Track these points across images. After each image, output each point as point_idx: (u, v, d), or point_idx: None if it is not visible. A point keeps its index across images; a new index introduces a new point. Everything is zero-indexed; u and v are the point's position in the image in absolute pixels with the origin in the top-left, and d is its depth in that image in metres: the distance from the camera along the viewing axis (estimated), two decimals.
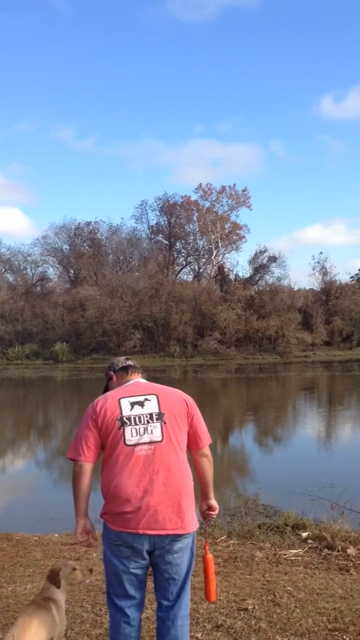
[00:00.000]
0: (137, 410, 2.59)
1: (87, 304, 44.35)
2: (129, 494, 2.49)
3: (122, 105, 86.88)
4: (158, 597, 2.63)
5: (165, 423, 2.58)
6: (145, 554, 2.52)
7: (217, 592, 4.07)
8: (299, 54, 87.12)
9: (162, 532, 2.49)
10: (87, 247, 53.83)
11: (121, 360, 2.94)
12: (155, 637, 2.66)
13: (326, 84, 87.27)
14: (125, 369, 2.86)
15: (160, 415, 2.59)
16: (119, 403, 2.60)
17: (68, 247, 54.42)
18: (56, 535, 6.16)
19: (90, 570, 3.01)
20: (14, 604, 3.97)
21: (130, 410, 2.58)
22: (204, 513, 2.83)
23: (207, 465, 2.76)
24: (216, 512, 2.86)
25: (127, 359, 2.96)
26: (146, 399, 2.62)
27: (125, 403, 2.60)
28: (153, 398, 2.63)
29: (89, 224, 54.34)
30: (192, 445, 2.71)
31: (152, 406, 2.60)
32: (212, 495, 2.83)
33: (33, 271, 56.32)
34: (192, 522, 2.59)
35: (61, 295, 49.41)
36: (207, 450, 2.75)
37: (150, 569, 2.62)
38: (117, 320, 42.78)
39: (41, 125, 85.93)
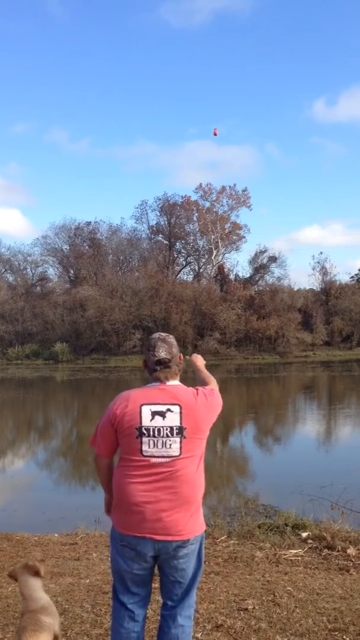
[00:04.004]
0: (158, 421, 2.50)
1: (87, 304, 44.31)
2: (138, 500, 2.49)
3: (116, 108, 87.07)
4: (163, 596, 2.65)
5: (185, 438, 2.51)
6: (149, 558, 2.53)
7: (217, 592, 4.08)
8: (290, 58, 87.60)
9: (169, 538, 2.49)
10: (87, 247, 53.79)
11: (152, 361, 2.64)
12: (157, 635, 2.67)
13: (318, 88, 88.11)
14: (152, 372, 2.66)
15: (180, 430, 2.51)
16: (140, 411, 2.52)
17: (68, 247, 54.40)
18: (56, 535, 6.15)
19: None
20: (14, 604, 3.97)
21: (151, 420, 2.50)
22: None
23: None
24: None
25: (158, 363, 2.63)
26: (169, 410, 2.52)
27: (146, 411, 2.52)
28: (176, 409, 2.52)
29: (88, 224, 54.40)
30: None
31: (173, 419, 2.51)
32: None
33: (33, 271, 56.37)
34: (198, 527, 2.59)
35: (61, 295, 49.37)
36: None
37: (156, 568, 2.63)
38: (117, 320, 42.75)
39: (37, 127, 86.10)
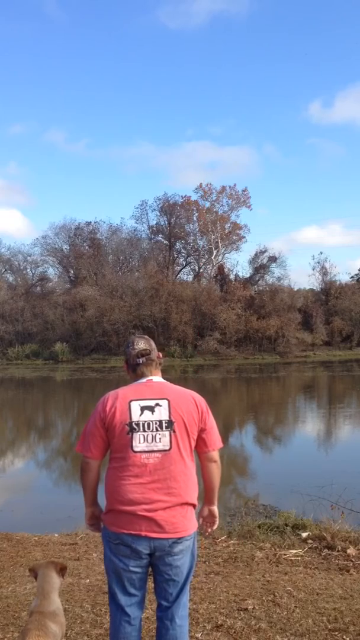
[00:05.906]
0: (147, 416, 2.54)
1: (87, 304, 44.28)
2: (132, 499, 2.49)
3: (114, 109, 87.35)
4: (157, 597, 2.64)
5: (174, 432, 2.54)
6: (144, 555, 2.53)
7: (217, 592, 4.08)
8: (286, 59, 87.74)
9: (164, 536, 2.49)
10: (87, 247, 53.75)
11: (132, 355, 2.72)
12: (155, 637, 2.66)
13: (314, 89, 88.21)
14: (135, 368, 2.72)
15: (170, 424, 2.54)
16: (129, 406, 2.56)
17: (68, 247, 54.38)
18: (56, 535, 6.16)
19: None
20: (14, 604, 3.97)
21: (140, 415, 2.54)
22: (204, 520, 2.77)
23: (215, 470, 2.69)
24: (216, 522, 2.79)
25: (139, 354, 2.71)
26: (157, 404, 2.56)
27: (135, 407, 2.55)
28: (164, 403, 2.57)
29: (89, 224, 54.31)
30: (200, 447, 2.65)
31: (162, 413, 2.55)
32: (215, 501, 2.76)
33: (33, 271, 56.28)
34: (193, 525, 2.60)
35: (61, 296, 49.32)
36: (214, 454, 2.67)
37: (150, 568, 2.62)
38: (117, 320, 42.71)
39: (35, 128, 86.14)
